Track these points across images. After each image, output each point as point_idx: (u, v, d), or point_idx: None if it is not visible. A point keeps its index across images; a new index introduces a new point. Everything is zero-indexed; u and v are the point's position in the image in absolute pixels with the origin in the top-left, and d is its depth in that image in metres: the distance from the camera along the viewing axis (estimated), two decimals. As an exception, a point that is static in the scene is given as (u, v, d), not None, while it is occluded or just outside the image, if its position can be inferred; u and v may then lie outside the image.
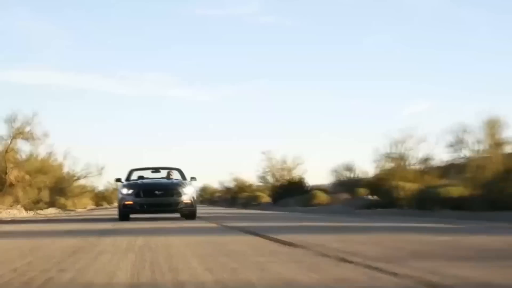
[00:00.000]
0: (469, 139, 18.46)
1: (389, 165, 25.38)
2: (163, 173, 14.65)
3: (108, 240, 6.00)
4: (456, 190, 15.79)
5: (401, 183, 20.61)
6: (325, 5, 54.32)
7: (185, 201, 12.77)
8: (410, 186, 19.59)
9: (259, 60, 58.14)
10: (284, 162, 39.04)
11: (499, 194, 14.22)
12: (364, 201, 22.46)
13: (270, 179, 39.94)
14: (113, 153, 64.96)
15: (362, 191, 23.96)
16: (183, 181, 13.61)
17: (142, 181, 13.72)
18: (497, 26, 49.32)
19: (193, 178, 13.81)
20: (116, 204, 55.45)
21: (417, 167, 26.00)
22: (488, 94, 47.27)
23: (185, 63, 61.46)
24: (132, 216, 13.14)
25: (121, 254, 4.42)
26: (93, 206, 43.65)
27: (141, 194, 12.72)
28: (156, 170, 14.99)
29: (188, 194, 12.91)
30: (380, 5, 53.15)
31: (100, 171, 36.29)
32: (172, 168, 14.85)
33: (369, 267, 3.40)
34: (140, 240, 5.88)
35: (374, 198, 22.22)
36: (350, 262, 3.64)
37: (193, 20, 58.65)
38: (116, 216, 13.23)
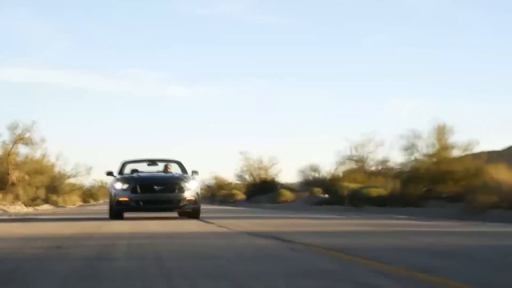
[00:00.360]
0: (421, 143, 22.93)
1: (346, 166, 30.08)
2: (160, 167, 13.71)
3: (112, 223, 10.60)
4: (378, 190, 20.54)
5: (347, 184, 25.31)
6: (325, 5, 57.53)
7: (188, 198, 11.90)
8: (352, 186, 24.29)
9: (258, 60, 61.47)
10: (261, 162, 43.79)
11: (407, 194, 18.98)
12: (318, 198, 27.19)
13: (248, 178, 44.66)
14: (106, 152, 68.98)
15: (318, 190, 28.70)
16: (186, 175, 12.63)
17: (138, 175, 12.73)
18: (497, 26, 52.91)
19: (195, 172, 12.86)
20: (102, 201, 59.65)
21: (374, 168, 30.71)
22: (487, 94, 51.46)
23: (183, 63, 65.40)
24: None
25: (123, 225, 9.04)
26: (81, 203, 48.17)
27: (138, 189, 11.86)
28: (152, 162, 13.94)
29: (191, 189, 12.04)
30: (379, 5, 56.14)
31: (88, 170, 40.92)
32: (170, 160, 13.79)
33: (231, 229, 8.02)
34: (131, 222, 10.51)
35: (326, 196, 26.94)
36: (227, 228, 8.28)
37: (191, 20, 62.55)
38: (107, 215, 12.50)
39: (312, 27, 58.57)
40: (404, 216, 14.26)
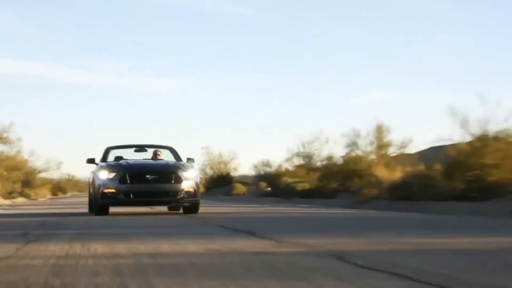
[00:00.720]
0: (362, 141, 28.14)
1: (293, 162, 35.40)
2: (149, 154, 12.91)
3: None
4: (304, 184, 26.03)
5: (286, 178, 30.70)
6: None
7: (186, 189, 10.94)
8: (289, 181, 29.69)
9: (219, 52, 65.92)
10: (221, 156, 49.12)
11: (323, 188, 24.49)
12: (263, 192, 32.61)
13: (209, 171, 49.91)
14: (73, 145, 73.09)
15: (263, 184, 34.14)
16: (183, 163, 11.72)
17: (127, 162, 11.61)
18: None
19: (190, 160, 11.98)
20: (69, 194, 64.61)
21: (319, 164, 36.04)
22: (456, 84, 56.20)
23: (148, 55, 69.63)
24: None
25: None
26: (50, 196, 53.02)
27: (127, 179, 10.81)
28: (140, 148, 13.02)
29: (190, 179, 11.10)
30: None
31: (59, 165, 46.08)
32: (160, 146, 13.01)
33: (166, 211, 13.37)
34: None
35: (269, 189, 32.36)
36: (165, 210, 13.62)
37: (160, 11, 66.56)
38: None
39: (279, 21, 62.52)
40: (307, 205, 19.75)
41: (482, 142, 16.88)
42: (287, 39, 63.00)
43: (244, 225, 7.67)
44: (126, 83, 74.84)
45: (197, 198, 11.25)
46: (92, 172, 11.94)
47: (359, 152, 26.59)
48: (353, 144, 26.55)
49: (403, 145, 26.71)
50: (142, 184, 10.93)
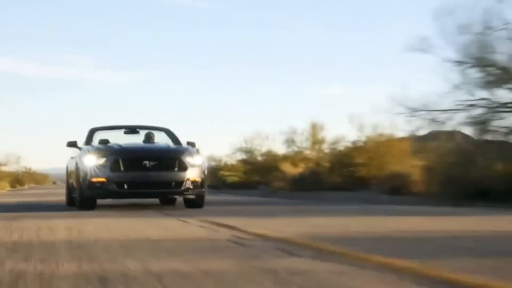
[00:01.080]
0: (298, 138, 34.21)
1: (234, 157, 41.54)
2: (141, 138, 11.84)
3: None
4: (234, 178, 32.31)
5: (223, 172, 36.92)
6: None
7: (192, 179, 10.05)
8: (226, 174, 35.90)
9: (174, 44, 71.07)
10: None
11: (248, 180, 30.81)
12: (204, 183, 38.85)
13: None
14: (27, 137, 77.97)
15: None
16: (187, 147, 10.71)
17: (120, 145, 10.43)
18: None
19: (191, 144, 11.00)
20: (27, 186, 71.54)
21: (261, 159, 42.18)
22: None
23: (108, 48, 74.61)
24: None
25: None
26: (10, 188, 58.37)
27: (121, 165, 9.74)
28: (132, 130, 12.01)
29: (196, 166, 10.16)
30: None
31: (18, 159, 51.96)
32: (155, 127, 11.87)
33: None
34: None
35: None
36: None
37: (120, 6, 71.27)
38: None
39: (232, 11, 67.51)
40: (228, 194, 25.97)
41: (356, 145, 23.52)
42: (246, 33, 68.44)
43: (151, 204, 13.80)
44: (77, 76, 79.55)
45: (203, 189, 10.34)
46: (73, 158, 11.01)
47: (295, 148, 32.70)
48: (290, 141, 32.72)
49: (335, 142, 32.97)
50: (139, 172, 9.95)
